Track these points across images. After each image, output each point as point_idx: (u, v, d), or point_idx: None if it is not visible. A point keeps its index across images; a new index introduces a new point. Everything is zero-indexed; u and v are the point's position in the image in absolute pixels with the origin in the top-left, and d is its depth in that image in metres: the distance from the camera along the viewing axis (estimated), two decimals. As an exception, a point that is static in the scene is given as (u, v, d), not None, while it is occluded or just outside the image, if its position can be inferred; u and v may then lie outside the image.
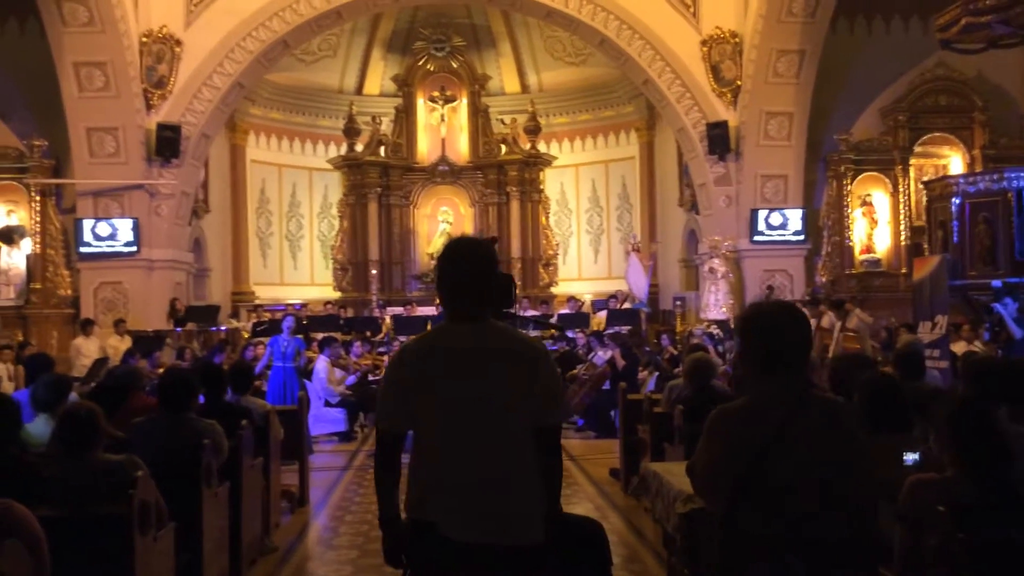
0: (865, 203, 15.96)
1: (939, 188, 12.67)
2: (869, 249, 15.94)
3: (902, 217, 15.60)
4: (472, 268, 2.66)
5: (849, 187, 15.77)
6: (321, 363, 11.28)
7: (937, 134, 15.84)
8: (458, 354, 2.63)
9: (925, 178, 15.33)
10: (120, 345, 12.02)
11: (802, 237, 15.44)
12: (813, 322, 10.72)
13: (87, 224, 14.35)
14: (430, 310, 16.87)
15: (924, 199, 14.72)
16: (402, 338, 13.35)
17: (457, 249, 2.75)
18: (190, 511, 4.16)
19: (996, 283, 9.94)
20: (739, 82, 15.29)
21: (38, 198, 14.73)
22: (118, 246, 14.33)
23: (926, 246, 13.85)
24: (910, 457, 3.21)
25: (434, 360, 2.64)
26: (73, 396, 4.98)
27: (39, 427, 4.57)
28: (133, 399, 5.10)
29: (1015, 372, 3.69)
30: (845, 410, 2.57)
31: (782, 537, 2.34)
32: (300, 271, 20.85)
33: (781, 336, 2.48)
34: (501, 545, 2.51)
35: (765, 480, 2.38)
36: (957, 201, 11.36)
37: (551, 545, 2.59)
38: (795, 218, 15.36)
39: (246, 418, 5.42)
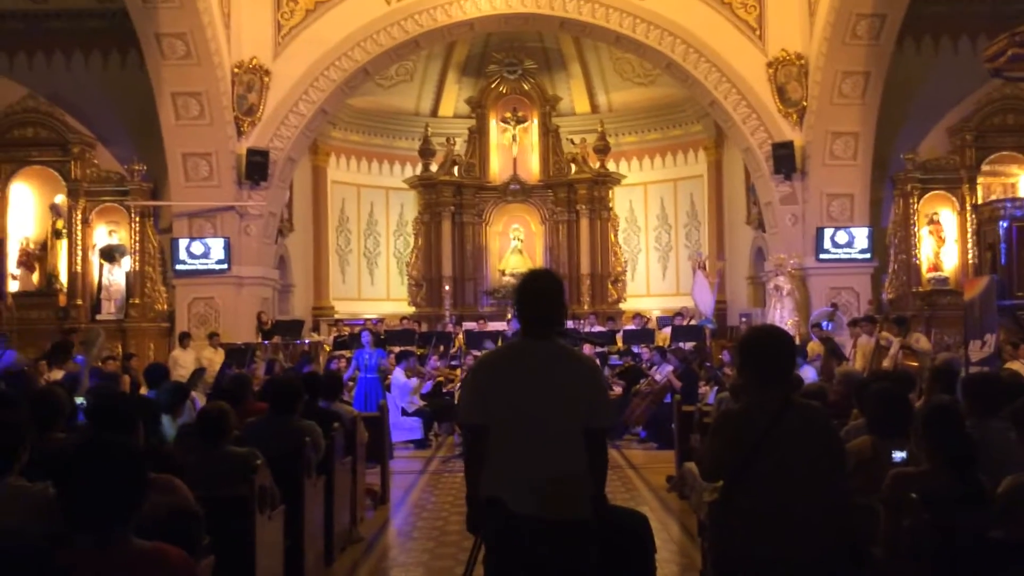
0: (932, 221, 16.05)
1: (988, 212, 12.95)
2: (936, 267, 16.02)
3: (970, 236, 15.64)
4: (548, 295, 3.28)
5: (916, 206, 15.87)
6: (398, 374, 11.98)
7: (1005, 153, 15.87)
8: (527, 364, 3.23)
9: (992, 197, 15.40)
10: (214, 357, 12.87)
11: (868, 255, 15.59)
12: (870, 341, 11.00)
13: (182, 243, 15.27)
14: (501, 325, 17.45)
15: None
16: (475, 352, 13.97)
17: (537, 278, 3.38)
18: (294, 500, 4.82)
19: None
20: (804, 103, 15.55)
21: (137, 219, 15.68)
22: (210, 264, 15.19)
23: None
24: (898, 455, 3.71)
25: (508, 368, 3.25)
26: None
27: (163, 426, 5.30)
28: (246, 403, 5.81)
29: (1003, 388, 4.15)
30: (819, 415, 3.16)
31: (770, 515, 2.91)
32: (377, 287, 21.66)
33: (771, 356, 3.09)
34: (556, 519, 3.08)
35: (756, 469, 2.97)
36: (1004, 224, 11.58)
37: (597, 522, 3.15)
38: (861, 236, 15.52)
39: (338, 422, 6.09)
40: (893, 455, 3.70)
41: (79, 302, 15.56)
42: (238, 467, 4.10)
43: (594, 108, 21.75)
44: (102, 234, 15.92)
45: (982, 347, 8.42)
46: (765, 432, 2.98)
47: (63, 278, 15.68)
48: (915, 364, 9.70)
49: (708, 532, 4.29)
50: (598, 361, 12.10)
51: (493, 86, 21.21)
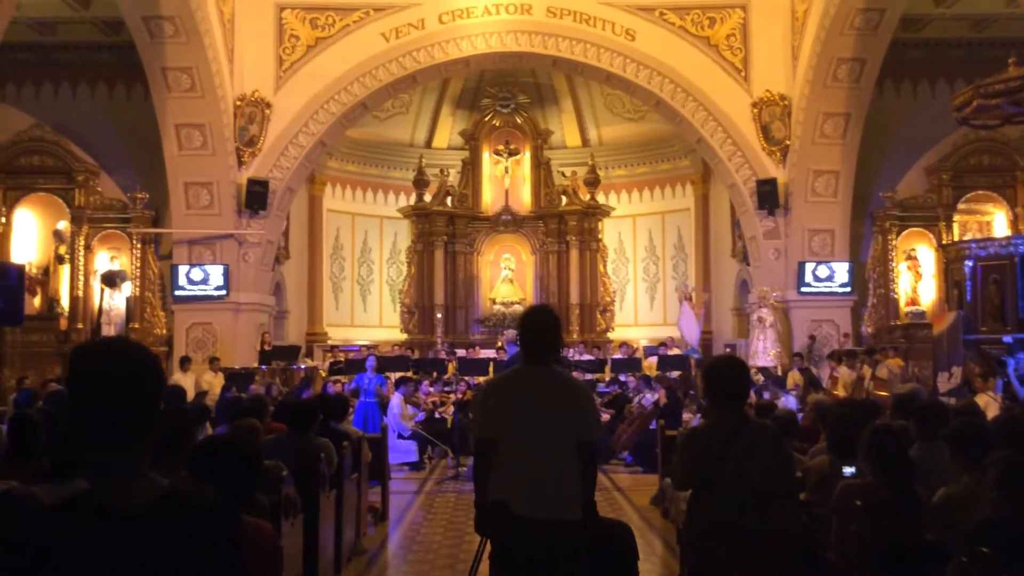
0: (910, 257, 16.64)
1: (954, 251, 13.61)
2: (914, 301, 16.57)
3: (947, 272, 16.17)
4: (548, 328, 3.81)
5: (894, 242, 16.45)
6: (396, 400, 12.40)
7: (981, 192, 16.51)
8: (529, 387, 3.73)
9: (968, 235, 15.99)
10: (215, 380, 13.24)
11: (848, 289, 16.11)
12: (851, 373, 11.52)
13: (182, 270, 15.70)
14: (492, 352, 17.86)
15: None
16: (467, 378, 14.41)
17: (539, 313, 3.93)
18: (310, 511, 5.23)
19: (1008, 338, 10.66)
20: (788, 142, 16.13)
21: (139, 245, 16.12)
22: (209, 290, 15.61)
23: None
24: (848, 470, 4.20)
25: (512, 390, 3.76)
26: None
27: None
28: (264, 421, 6.23)
29: (944, 416, 4.63)
30: (770, 432, 3.65)
31: (730, 519, 3.40)
32: (370, 314, 22.05)
33: (728, 381, 3.58)
34: (550, 520, 3.56)
35: (717, 479, 3.47)
36: (970, 264, 12.19)
37: (586, 523, 3.63)
38: (841, 271, 16.05)
39: (347, 440, 6.52)
40: (844, 470, 4.19)
41: (80, 326, 15.91)
42: (265, 477, 4.51)
43: (585, 142, 22.31)
44: (103, 260, 16.32)
45: (949, 379, 8.92)
46: (724, 446, 3.49)
47: (64, 302, 16.05)
48: (885, 394, 10.18)
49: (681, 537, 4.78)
50: (587, 388, 12.54)
51: (487, 119, 21.77)
